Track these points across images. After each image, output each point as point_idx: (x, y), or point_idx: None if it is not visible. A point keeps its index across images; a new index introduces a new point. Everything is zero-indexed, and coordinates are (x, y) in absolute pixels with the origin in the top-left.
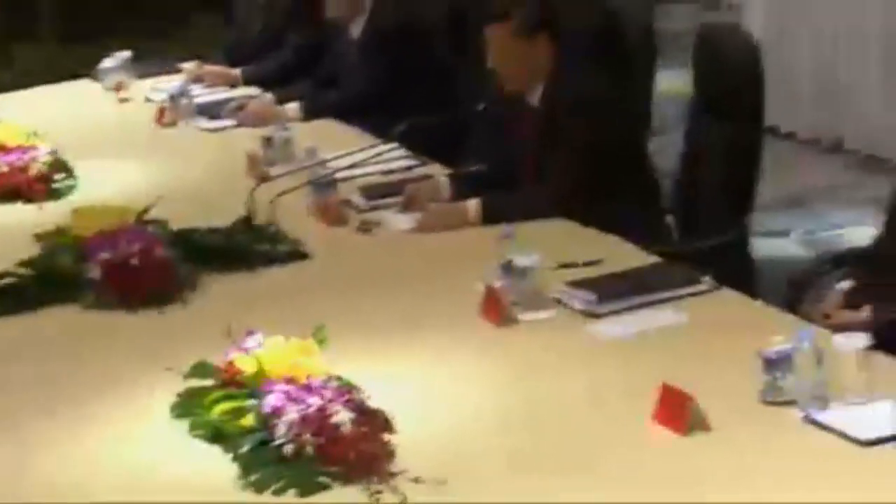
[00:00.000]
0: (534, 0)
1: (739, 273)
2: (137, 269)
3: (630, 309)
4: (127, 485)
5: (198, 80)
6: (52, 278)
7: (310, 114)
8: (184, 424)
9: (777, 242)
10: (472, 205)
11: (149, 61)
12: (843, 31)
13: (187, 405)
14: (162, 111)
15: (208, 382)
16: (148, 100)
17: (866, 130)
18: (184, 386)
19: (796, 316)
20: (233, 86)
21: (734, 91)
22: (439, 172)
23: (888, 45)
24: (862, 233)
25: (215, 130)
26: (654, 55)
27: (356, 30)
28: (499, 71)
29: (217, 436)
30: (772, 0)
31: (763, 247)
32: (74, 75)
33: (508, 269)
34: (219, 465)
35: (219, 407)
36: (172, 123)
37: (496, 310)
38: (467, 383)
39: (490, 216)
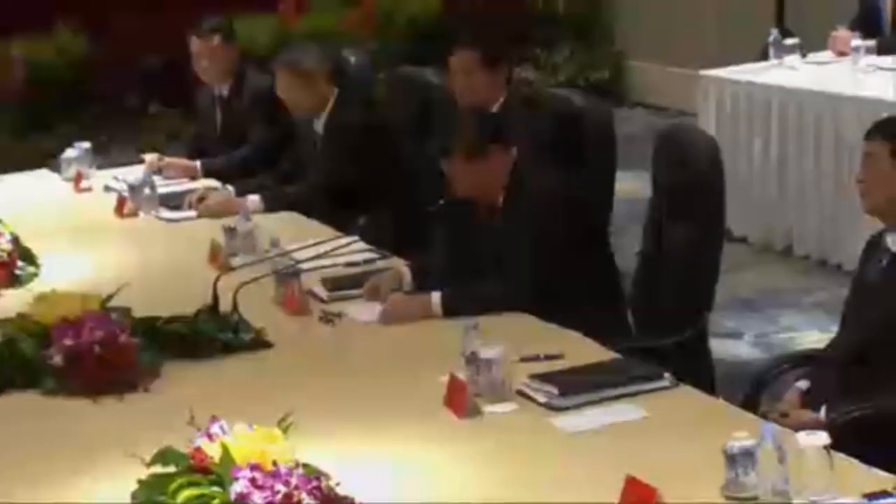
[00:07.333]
0: (478, 122)
1: (697, 371)
2: (100, 356)
3: (592, 403)
4: None
5: (158, 171)
6: (13, 364)
7: (271, 205)
8: None
9: (731, 343)
10: (435, 297)
11: (108, 152)
12: (793, 138)
13: (149, 492)
14: (122, 201)
15: (171, 469)
16: (108, 189)
17: (816, 237)
18: (145, 473)
19: (754, 414)
20: (192, 178)
21: (694, 191)
22: (400, 265)
23: (838, 152)
24: (812, 336)
25: (176, 221)
26: (613, 156)
27: (319, 125)
28: (465, 193)
29: None
30: (723, 106)
31: (717, 347)
32: (29, 166)
33: (473, 360)
34: None
35: (183, 493)
36: (133, 214)
37: (460, 401)
38: (433, 474)
39: (451, 308)
